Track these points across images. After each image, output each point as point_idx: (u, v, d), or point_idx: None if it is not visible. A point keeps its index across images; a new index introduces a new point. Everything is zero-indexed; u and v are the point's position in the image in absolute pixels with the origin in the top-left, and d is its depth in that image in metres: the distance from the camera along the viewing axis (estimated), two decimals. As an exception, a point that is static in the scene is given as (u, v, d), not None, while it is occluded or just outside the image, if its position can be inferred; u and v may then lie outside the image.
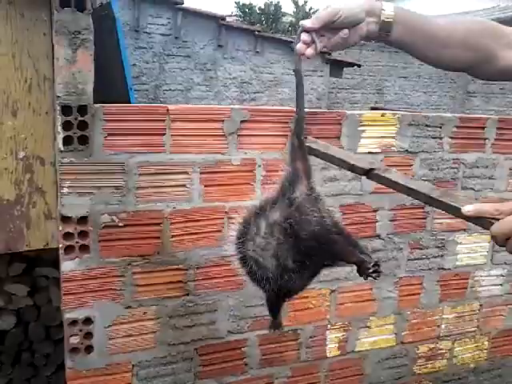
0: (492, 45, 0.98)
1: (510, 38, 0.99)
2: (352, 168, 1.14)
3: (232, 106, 1.63)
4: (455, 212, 0.88)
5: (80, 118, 1.44)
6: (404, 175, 1.16)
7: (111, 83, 2.57)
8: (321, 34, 1.00)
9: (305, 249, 1.07)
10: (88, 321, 1.54)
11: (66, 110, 1.43)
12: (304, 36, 0.99)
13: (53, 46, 1.59)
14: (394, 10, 0.99)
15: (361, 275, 1.07)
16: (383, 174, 1.06)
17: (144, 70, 4.76)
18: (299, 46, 1.00)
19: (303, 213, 1.08)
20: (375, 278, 1.06)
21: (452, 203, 0.89)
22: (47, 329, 2.21)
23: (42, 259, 2.18)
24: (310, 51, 0.99)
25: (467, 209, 0.82)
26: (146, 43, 4.72)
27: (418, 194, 0.97)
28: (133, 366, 1.62)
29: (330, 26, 0.99)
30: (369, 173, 1.09)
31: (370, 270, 1.04)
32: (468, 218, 0.85)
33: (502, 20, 10.17)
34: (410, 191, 0.99)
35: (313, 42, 0.99)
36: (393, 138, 1.85)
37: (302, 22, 0.99)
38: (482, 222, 0.83)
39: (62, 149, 1.43)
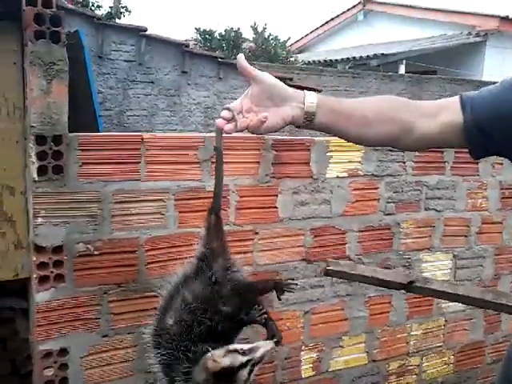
0: (408, 117, 1.04)
1: (422, 109, 1.06)
2: (388, 284, 1.13)
3: (205, 135, 1.67)
4: None
5: (55, 148, 1.44)
6: (443, 282, 1.19)
7: (80, 111, 2.56)
8: (244, 116, 1.01)
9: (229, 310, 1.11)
10: (63, 352, 1.51)
11: (40, 139, 1.43)
12: (223, 112, 1.01)
13: (23, 75, 1.60)
14: (316, 96, 1.03)
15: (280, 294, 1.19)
16: (426, 286, 1.07)
17: (108, 96, 4.74)
18: (218, 121, 1.01)
19: (223, 287, 1.12)
20: (291, 291, 1.20)
21: None
22: (13, 363, 2.15)
23: (7, 290, 2.12)
24: (229, 126, 1.00)
25: None
26: (110, 69, 4.72)
27: (473, 300, 0.98)
28: (109, 396, 1.60)
29: (255, 100, 1.01)
30: (408, 286, 1.10)
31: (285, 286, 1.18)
32: None
33: (449, 48, 10.71)
34: (461, 298, 1.00)
35: (233, 119, 1.00)
36: (359, 162, 1.94)
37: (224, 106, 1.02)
38: None
39: (37, 179, 1.43)
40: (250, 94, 1.02)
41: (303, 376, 1.95)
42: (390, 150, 1.97)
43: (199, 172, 1.65)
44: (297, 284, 1.24)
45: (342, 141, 1.91)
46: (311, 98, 1.02)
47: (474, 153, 1.06)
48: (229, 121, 1.01)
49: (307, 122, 1.03)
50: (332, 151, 1.87)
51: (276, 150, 1.77)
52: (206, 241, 1.17)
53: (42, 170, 1.44)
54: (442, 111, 1.05)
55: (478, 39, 10.99)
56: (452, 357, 2.33)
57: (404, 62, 11.40)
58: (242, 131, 1.03)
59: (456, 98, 1.05)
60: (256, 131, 1.03)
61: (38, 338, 1.49)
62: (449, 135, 1.03)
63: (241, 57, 1.02)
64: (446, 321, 2.27)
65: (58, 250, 1.48)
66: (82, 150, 1.48)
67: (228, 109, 1.01)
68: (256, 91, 1.02)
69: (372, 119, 1.04)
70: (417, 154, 2.02)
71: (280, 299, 1.21)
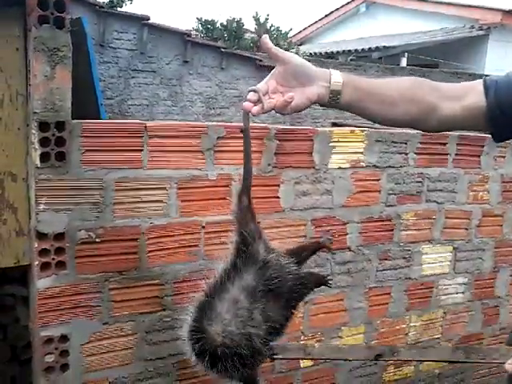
0: (431, 97, 1.05)
1: (447, 91, 1.06)
2: (354, 358, 1.16)
3: (208, 123, 1.66)
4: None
5: (58, 134, 1.44)
6: (411, 348, 1.25)
7: (82, 99, 2.55)
8: (270, 97, 1.02)
9: (288, 301, 1.11)
10: (64, 338, 1.52)
11: (43, 126, 1.42)
12: (250, 95, 1.01)
13: (26, 61, 1.59)
14: (341, 75, 1.04)
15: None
16: (393, 357, 1.10)
17: (109, 85, 4.73)
18: (245, 104, 1.01)
19: (279, 270, 1.10)
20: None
21: (494, 360, 0.95)
22: (13, 349, 2.16)
23: (8, 277, 2.13)
24: (256, 109, 1.00)
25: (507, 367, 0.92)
26: (111, 58, 4.71)
27: (447, 361, 1.02)
28: (109, 382, 1.61)
29: (281, 80, 1.01)
30: (377, 358, 1.14)
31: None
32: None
33: (448, 42, 10.66)
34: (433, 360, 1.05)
35: (259, 101, 1.00)
36: (361, 153, 1.93)
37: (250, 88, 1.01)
38: None
39: (39, 165, 1.43)
40: (276, 74, 1.01)
41: (302, 366, 1.96)
42: (393, 142, 1.97)
43: (202, 161, 1.65)
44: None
45: (345, 131, 1.93)
46: (337, 77, 1.02)
47: (497, 136, 1.07)
48: (255, 103, 1.00)
49: (333, 101, 1.03)
50: (335, 141, 1.87)
51: (279, 140, 1.77)
52: (242, 224, 1.13)
53: (44, 157, 1.44)
54: (466, 94, 1.04)
55: (480, 33, 10.93)
56: (450, 349, 2.34)
57: (406, 54, 11.35)
58: (268, 112, 1.02)
59: (480, 81, 1.05)
60: (282, 111, 1.03)
61: (38, 325, 1.50)
62: (472, 118, 1.03)
63: (265, 38, 1.01)
64: (444, 313, 2.28)
65: (59, 236, 1.48)
66: (85, 136, 1.48)
67: (254, 90, 1.00)
68: (282, 72, 1.01)
69: (397, 98, 1.04)
70: (419, 145, 2.02)
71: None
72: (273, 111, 1.04)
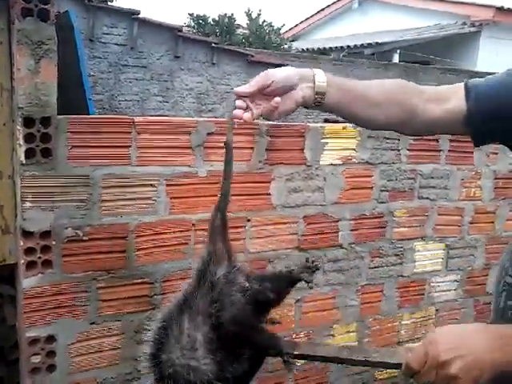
0: (415, 100, 1.05)
1: (429, 94, 1.07)
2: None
3: (198, 119, 1.63)
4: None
5: (43, 130, 1.40)
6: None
7: (70, 94, 2.51)
8: (256, 103, 1.01)
9: (231, 336, 0.99)
10: (51, 339, 1.49)
11: (28, 121, 1.39)
12: (238, 102, 1.00)
13: (10, 55, 1.55)
14: (325, 75, 1.03)
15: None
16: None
17: (99, 80, 4.67)
18: (236, 112, 1.00)
19: (226, 294, 1.00)
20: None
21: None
22: (1, 350, 2.12)
23: (-7, 276, 2.09)
24: (247, 115, 0.99)
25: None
26: (101, 53, 4.65)
27: (330, 358, 1.01)
28: (97, 383, 1.58)
29: (265, 92, 1.00)
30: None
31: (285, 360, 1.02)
32: None
33: (443, 37, 10.68)
34: (320, 358, 1.03)
35: (248, 108, 0.99)
36: (353, 150, 1.91)
37: (235, 89, 1.00)
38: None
39: (24, 162, 1.39)
40: (260, 86, 1.00)
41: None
42: (386, 138, 1.95)
43: (192, 157, 1.62)
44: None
45: (338, 127, 1.90)
46: (321, 77, 1.01)
47: (476, 140, 1.07)
48: (245, 109, 1.00)
49: (318, 102, 1.02)
50: (327, 138, 1.85)
51: (270, 136, 1.74)
52: (210, 243, 1.07)
53: (29, 153, 1.40)
54: (449, 97, 1.05)
55: (472, 29, 10.95)
56: (442, 346, 2.33)
57: (398, 51, 11.36)
58: (257, 119, 1.01)
59: (461, 85, 1.05)
60: (270, 117, 1.02)
61: (24, 325, 1.46)
62: (454, 121, 1.03)
63: (237, 89, 1.00)
64: (437, 310, 2.27)
65: (45, 235, 1.44)
66: (72, 132, 1.44)
67: (240, 94, 0.99)
68: (266, 86, 1.00)
69: (382, 100, 1.04)
70: (412, 142, 2.00)
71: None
72: None
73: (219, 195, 1.13)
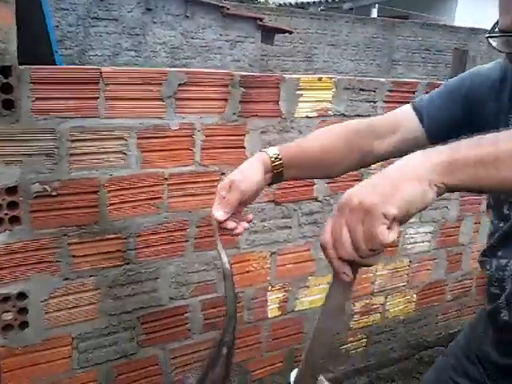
0: (364, 143, 1.07)
1: (377, 130, 1.08)
2: None
3: (169, 69, 1.57)
4: None
5: (4, 81, 1.33)
6: None
7: (34, 46, 2.39)
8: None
9: None
10: (22, 296, 1.47)
11: (-14, 71, 1.31)
12: (228, 225, 0.96)
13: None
14: (277, 149, 1.02)
15: None
16: None
17: (68, 34, 4.47)
18: (236, 232, 0.98)
19: None
20: None
21: None
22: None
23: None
24: (240, 229, 0.99)
25: None
26: (69, 4, 4.42)
27: None
28: (72, 338, 1.58)
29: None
30: None
31: None
32: None
33: None
34: None
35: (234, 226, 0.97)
36: (329, 102, 1.88)
37: (213, 216, 0.95)
38: None
39: (-15, 114, 1.33)
40: (237, 205, 0.96)
41: (269, 316, 1.97)
42: (362, 90, 1.92)
43: (163, 109, 1.57)
44: None
45: (313, 78, 1.87)
46: (273, 153, 1.02)
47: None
48: (236, 226, 0.98)
49: (277, 180, 1.05)
50: (302, 89, 1.81)
51: (244, 87, 1.69)
52: (207, 368, 0.92)
53: (-10, 105, 1.33)
54: (399, 126, 1.07)
55: (451, -17, 10.81)
56: (414, 295, 2.40)
57: (376, 5, 11.17)
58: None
59: (408, 110, 1.09)
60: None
61: (-5, 282, 1.43)
62: (412, 145, 1.03)
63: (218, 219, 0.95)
64: (410, 261, 2.31)
65: (12, 190, 1.40)
66: (36, 83, 1.37)
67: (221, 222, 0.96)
68: (244, 201, 0.98)
69: (339, 158, 1.07)
70: (388, 93, 1.98)
71: None
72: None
73: (224, 331, 0.91)
